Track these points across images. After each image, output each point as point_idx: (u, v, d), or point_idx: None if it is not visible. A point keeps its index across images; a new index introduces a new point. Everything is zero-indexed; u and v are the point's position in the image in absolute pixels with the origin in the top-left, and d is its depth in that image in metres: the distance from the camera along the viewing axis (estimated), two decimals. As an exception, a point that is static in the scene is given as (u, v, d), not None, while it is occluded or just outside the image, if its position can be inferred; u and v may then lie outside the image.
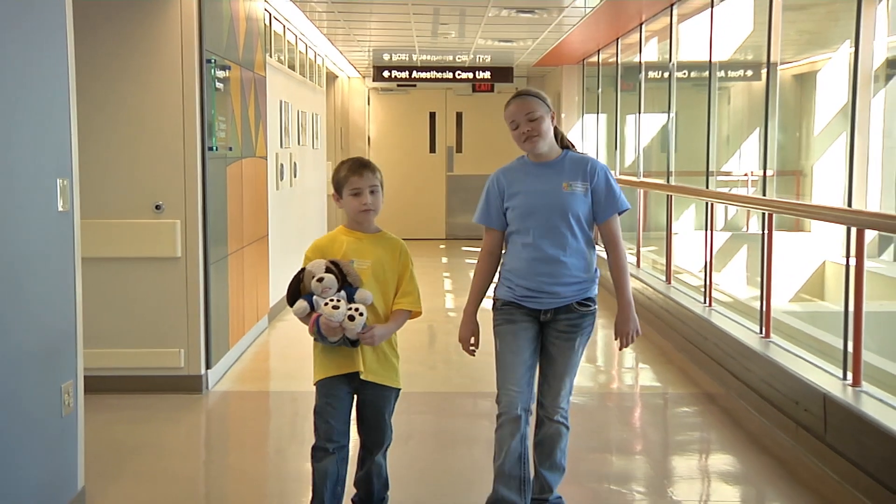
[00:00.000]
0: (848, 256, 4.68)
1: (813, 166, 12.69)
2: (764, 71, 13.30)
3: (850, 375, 4.45)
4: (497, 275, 3.67)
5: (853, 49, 5.22)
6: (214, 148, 5.82)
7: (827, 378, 4.57)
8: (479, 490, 3.82)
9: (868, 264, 11.25)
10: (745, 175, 12.94)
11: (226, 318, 6.18)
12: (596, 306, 3.61)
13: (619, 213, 3.60)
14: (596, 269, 3.61)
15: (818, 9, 11.78)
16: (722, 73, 12.63)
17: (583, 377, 6.26)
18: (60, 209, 3.57)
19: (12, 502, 3.21)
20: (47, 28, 3.53)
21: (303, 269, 3.43)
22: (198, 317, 5.67)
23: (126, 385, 5.58)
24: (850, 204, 5.16)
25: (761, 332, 5.62)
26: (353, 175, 3.47)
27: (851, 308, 4.48)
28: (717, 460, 4.83)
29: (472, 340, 3.62)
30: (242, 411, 5.75)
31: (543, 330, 3.60)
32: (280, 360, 6.97)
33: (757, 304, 6.07)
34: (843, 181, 11.39)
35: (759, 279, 9.30)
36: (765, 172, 6.59)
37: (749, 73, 13.33)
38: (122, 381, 5.56)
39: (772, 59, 6.54)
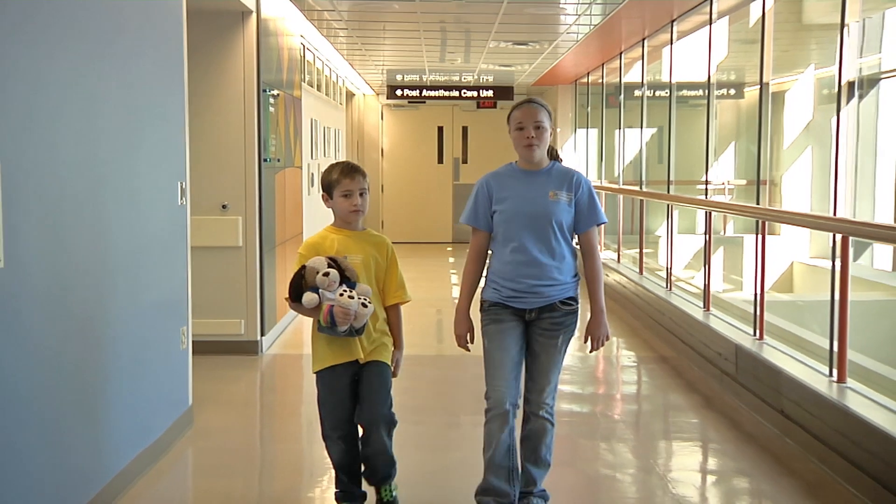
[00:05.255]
0: (756, 246, 6.07)
1: (782, 176, 14.07)
2: (750, 89, 14.59)
3: (758, 332, 5.89)
4: (483, 277, 3.83)
5: (759, 84, 6.64)
6: (268, 159, 7.27)
7: (741, 334, 6.01)
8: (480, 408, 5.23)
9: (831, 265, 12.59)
10: (723, 184, 14.33)
11: (274, 296, 7.61)
12: (578, 305, 3.76)
13: (598, 226, 3.76)
14: (576, 274, 3.77)
15: (786, 35, 13.16)
16: (700, 92, 14.01)
17: (571, 347, 7.70)
18: (179, 204, 5.01)
19: (150, 408, 4.63)
20: (172, 72, 4.96)
21: (303, 267, 3.60)
22: (255, 294, 7.10)
23: (198, 348, 6.95)
24: (758, 202, 6.59)
25: (705, 307, 7.04)
26: (344, 178, 3.63)
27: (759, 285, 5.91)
28: (665, 400, 6.23)
29: (468, 337, 3.80)
30: (287, 368, 7.19)
31: (528, 328, 3.73)
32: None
33: (725, 294, 7.49)
34: (809, 189, 12.76)
35: (733, 275, 10.67)
36: (707, 180, 8.02)
37: (732, 91, 14.66)
38: (195, 345, 6.95)
39: (712, 81, 7.96)
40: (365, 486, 3.89)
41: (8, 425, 3.12)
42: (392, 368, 3.79)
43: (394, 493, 3.88)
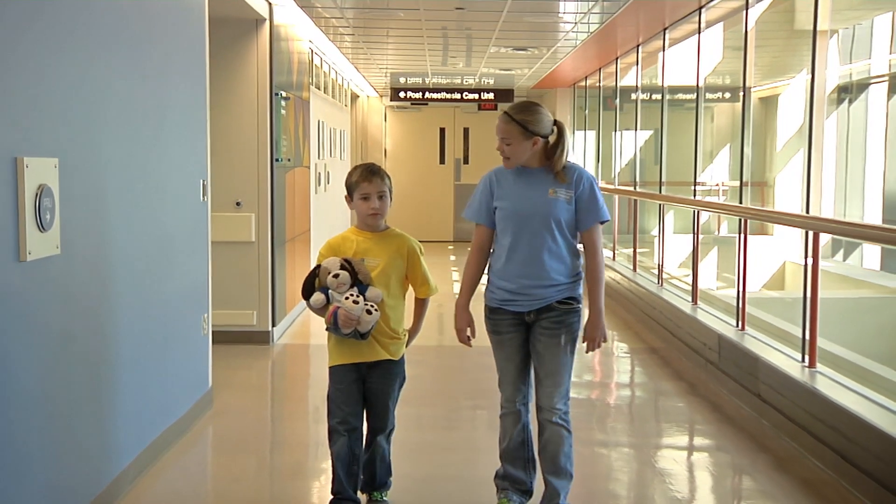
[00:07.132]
0: (738, 243, 6.44)
1: (775, 178, 14.46)
2: (741, 94, 15.03)
3: (740, 323, 6.27)
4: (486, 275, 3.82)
5: (742, 89, 6.99)
6: (280, 159, 7.65)
7: (724, 326, 6.39)
8: (478, 393, 5.62)
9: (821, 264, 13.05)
10: (717, 185, 14.72)
11: (284, 289, 7.99)
12: (580, 305, 3.70)
13: (601, 224, 3.67)
14: (578, 273, 3.70)
15: (780, 41, 13.54)
16: (695, 96, 14.34)
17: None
18: (201, 201, 5.40)
19: (174, 389, 5.01)
20: (196, 78, 5.35)
21: (318, 266, 3.63)
22: (267, 287, 7.48)
23: (213, 337, 7.30)
24: (740, 202, 6.95)
25: (692, 301, 7.42)
26: (363, 181, 3.64)
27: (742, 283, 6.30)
28: (653, 387, 6.63)
29: (469, 331, 3.77)
30: (296, 357, 7.60)
31: (530, 329, 3.71)
32: (317, 324, 8.69)
33: (718, 291, 7.84)
34: (800, 190, 13.13)
35: (725, 273, 11.03)
36: (695, 181, 8.41)
37: (727, 95, 14.99)
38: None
39: (700, 85, 8.34)
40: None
41: (46, 398, 3.50)
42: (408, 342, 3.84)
43: (385, 500, 3.95)
